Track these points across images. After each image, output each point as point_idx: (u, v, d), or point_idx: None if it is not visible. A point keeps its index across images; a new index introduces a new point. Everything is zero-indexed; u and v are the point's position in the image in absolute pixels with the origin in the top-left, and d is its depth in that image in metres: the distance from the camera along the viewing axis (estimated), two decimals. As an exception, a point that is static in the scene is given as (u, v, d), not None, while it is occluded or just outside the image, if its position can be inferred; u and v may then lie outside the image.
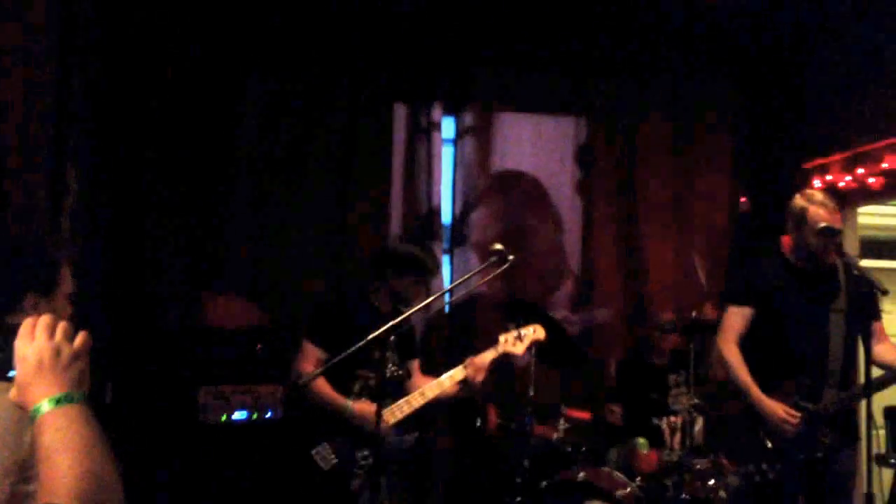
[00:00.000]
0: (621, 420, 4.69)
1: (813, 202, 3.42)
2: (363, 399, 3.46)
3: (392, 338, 3.16)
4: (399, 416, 3.42)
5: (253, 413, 4.33)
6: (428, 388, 3.49)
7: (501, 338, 3.65)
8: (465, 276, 3.13)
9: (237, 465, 4.13)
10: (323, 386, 3.45)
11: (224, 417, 4.28)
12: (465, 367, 3.49)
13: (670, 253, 5.46)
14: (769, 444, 3.37)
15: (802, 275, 3.51)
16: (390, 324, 2.85)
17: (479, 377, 3.49)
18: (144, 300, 4.69)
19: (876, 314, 3.49)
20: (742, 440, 3.57)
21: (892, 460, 3.50)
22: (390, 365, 3.46)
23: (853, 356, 3.47)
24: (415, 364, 3.74)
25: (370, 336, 2.84)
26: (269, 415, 4.31)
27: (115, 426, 3.95)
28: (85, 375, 1.38)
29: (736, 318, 3.58)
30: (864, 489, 2.93)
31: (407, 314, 2.98)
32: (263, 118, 5.03)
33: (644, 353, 4.92)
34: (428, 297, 4.97)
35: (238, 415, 4.30)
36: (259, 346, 4.52)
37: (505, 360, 3.74)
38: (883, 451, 3.55)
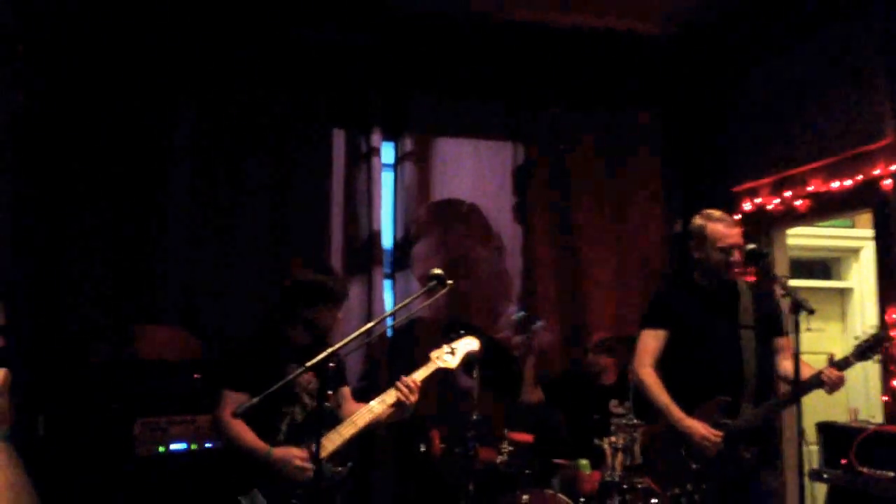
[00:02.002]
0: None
1: (711, 219, 3.52)
2: (287, 442, 3.35)
3: (331, 364, 3.09)
4: (331, 447, 3.32)
5: (191, 444, 4.24)
6: (359, 416, 3.37)
7: (432, 354, 3.58)
8: (405, 302, 3.10)
9: (176, 497, 4.03)
10: (243, 432, 3.26)
11: (161, 449, 4.18)
12: (397, 388, 3.41)
13: (608, 275, 5.56)
14: (693, 465, 3.37)
15: (708, 294, 3.56)
16: (328, 350, 2.79)
17: (413, 397, 3.37)
18: (75, 333, 4.56)
19: (780, 330, 3.58)
20: (666, 462, 3.56)
21: (826, 475, 3.58)
22: (307, 398, 3.41)
23: (767, 371, 3.52)
24: (345, 391, 3.65)
25: (307, 364, 2.79)
26: (208, 445, 4.22)
27: (49, 460, 3.85)
28: (7, 413, 1.34)
29: (650, 341, 3.62)
30: (797, 505, 2.97)
31: (348, 340, 2.91)
32: (196, 145, 4.98)
33: (587, 374, 4.97)
34: (368, 321, 5.01)
35: (176, 446, 4.20)
36: (196, 375, 4.44)
37: (441, 375, 3.67)
38: (816, 466, 3.63)
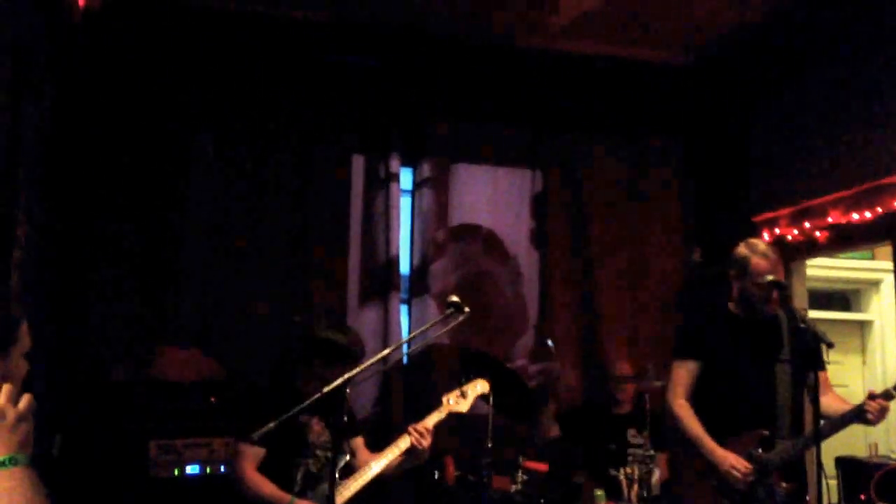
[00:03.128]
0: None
1: (756, 252, 3.44)
2: (307, 495, 3.40)
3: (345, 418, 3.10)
4: (347, 495, 3.38)
5: (206, 467, 4.25)
6: (375, 463, 3.45)
7: (444, 399, 3.64)
8: (422, 329, 3.10)
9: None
10: (262, 483, 3.35)
11: (176, 471, 4.19)
12: (410, 434, 3.46)
13: (625, 304, 5.54)
14: (724, 501, 3.33)
15: (745, 325, 3.50)
16: (333, 384, 2.79)
17: (425, 442, 3.42)
18: (94, 353, 4.60)
19: (820, 365, 3.50)
20: (698, 496, 3.53)
21: (843, 508, 3.53)
22: (319, 451, 3.46)
23: (801, 406, 3.47)
24: (359, 441, 3.69)
25: (313, 397, 2.81)
26: (223, 469, 4.22)
27: (64, 480, 3.85)
28: (30, 437, 1.36)
29: (682, 373, 3.57)
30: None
31: (363, 367, 2.90)
32: (217, 168, 5.02)
33: (604, 403, 4.95)
34: (384, 346, 5.02)
35: (191, 469, 4.21)
36: (213, 398, 4.46)
37: (452, 420, 3.73)
38: (835, 501, 3.58)
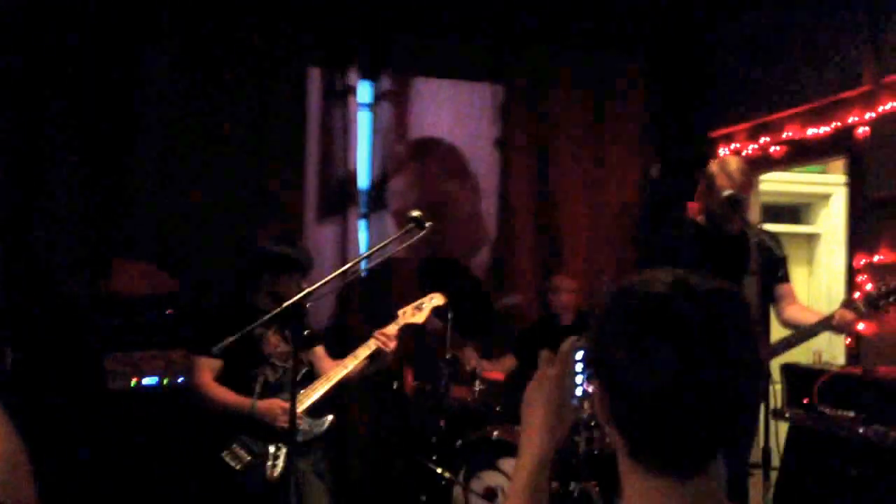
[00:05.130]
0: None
1: (724, 170, 3.43)
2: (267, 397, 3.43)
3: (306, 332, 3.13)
4: (307, 402, 3.42)
5: (164, 378, 4.25)
6: (333, 372, 3.50)
7: (399, 312, 3.69)
8: (382, 244, 3.08)
9: (149, 431, 4.06)
10: (222, 392, 3.40)
11: (134, 383, 4.19)
12: (376, 339, 3.51)
13: (584, 220, 5.57)
14: None
15: (713, 239, 3.51)
16: (294, 299, 2.77)
17: (392, 344, 3.50)
18: (45, 267, 4.51)
19: (784, 277, 3.57)
20: None
21: (788, 415, 3.67)
22: (277, 361, 3.49)
23: (768, 318, 3.52)
24: (319, 351, 3.73)
25: (270, 314, 2.81)
26: (180, 380, 4.23)
27: (18, 394, 3.82)
28: None
29: None
30: (762, 444, 3.02)
31: (322, 283, 2.88)
32: (172, 81, 4.85)
33: (548, 316, 5.02)
34: (343, 262, 5.01)
35: (148, 380, 4.21)
36: (169, 310, 4.44)
37: (411, 331, 3.80)
38: (779, 405, 3.71)
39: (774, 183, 5.47)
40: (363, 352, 3.50)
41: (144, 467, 4.00)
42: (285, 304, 2.75)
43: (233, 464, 3.30)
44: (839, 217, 5.76)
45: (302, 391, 3.38)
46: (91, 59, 4.67)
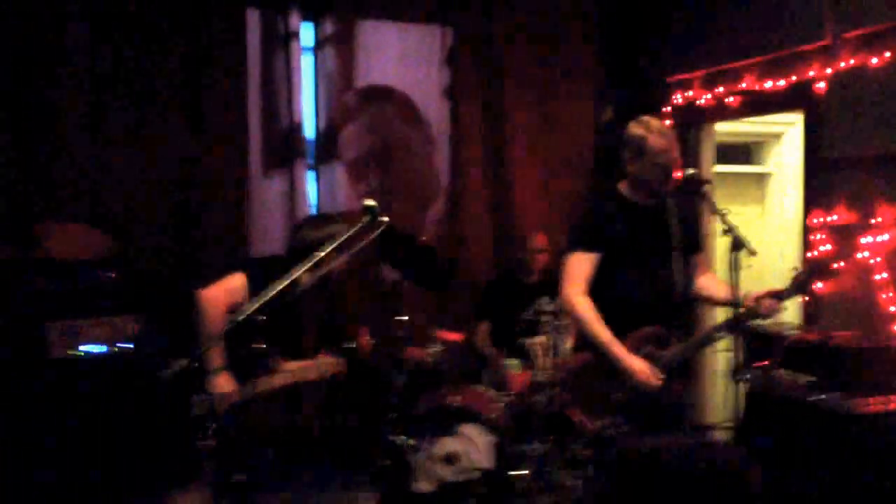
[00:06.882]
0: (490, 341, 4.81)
1: (651, 131, 3.18)
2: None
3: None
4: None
5: (107, 345, 4.09)
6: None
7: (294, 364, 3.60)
8: (337, 241, 2.87)
9: (94, 399, 3.93)
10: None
11: (79, 352, 4.02)
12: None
13: (537, 168, 5.47)
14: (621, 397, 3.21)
15: (639, 211, 3.28)
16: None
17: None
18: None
19: (698, 245, 3.42)
20: (593, 394, 3.30)
21: (746, 378, 3.70)
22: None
23: (690, 293, 3.40)
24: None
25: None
26: (125, 346, 4.09)
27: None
28: None
29: (584, 265, 3.25)
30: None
31: (269, 297, 2.71)
32: (100, 27, 4.51)
33: (515, 273, 4.96)
34: (291, 217, 4.84)
35: (91, 348, 4.06)
36: (113, 274, 4.24)
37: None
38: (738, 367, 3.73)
39: (725, 124, 5.41)
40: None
41: (89, 437, 3.87)
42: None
43: (195, 409, 3.20)
44: (791, 156, 5.78)
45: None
46: (13, 7, 4.31)
